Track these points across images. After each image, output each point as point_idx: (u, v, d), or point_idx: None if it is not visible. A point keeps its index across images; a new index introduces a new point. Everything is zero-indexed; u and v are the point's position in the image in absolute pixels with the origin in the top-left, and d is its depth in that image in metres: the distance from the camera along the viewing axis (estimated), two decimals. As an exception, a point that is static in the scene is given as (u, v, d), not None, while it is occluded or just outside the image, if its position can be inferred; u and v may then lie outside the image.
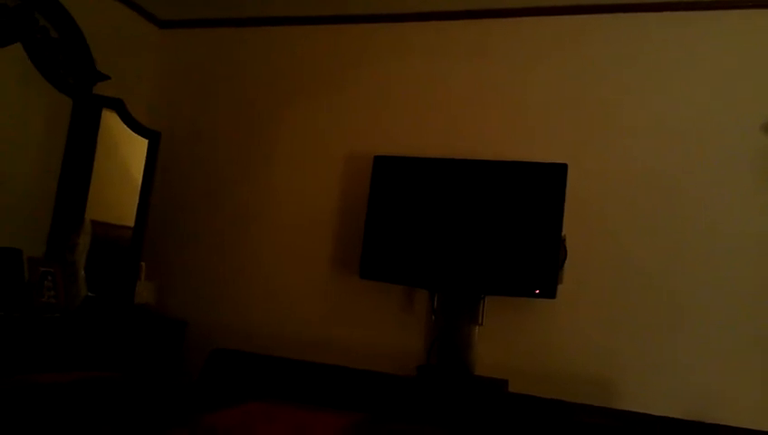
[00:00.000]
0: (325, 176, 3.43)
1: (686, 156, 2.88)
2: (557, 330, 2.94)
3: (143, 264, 3.45)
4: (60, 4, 2.98)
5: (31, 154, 3.03)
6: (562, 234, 2.80)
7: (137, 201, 3.47)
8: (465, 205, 2.96)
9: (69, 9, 3.01)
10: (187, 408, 1.87)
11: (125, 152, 3.47)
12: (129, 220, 3.44)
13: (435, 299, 3.06)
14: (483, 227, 2.91)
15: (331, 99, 3.49)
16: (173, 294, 3.57)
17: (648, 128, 2.95)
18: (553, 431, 2.17)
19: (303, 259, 3.41)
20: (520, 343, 2.99)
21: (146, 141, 3.51)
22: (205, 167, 3.68)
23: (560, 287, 2.79)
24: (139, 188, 3.48)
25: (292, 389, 2.44)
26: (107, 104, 3.26)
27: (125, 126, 3.38)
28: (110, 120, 3.29)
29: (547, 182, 2.83)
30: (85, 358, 2.76)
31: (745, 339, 2.69)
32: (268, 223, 3.52)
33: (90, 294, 3.08)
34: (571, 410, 2.23)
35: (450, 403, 2.40)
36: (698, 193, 2.84)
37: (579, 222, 2.92)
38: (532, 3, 3.13)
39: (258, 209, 3.55)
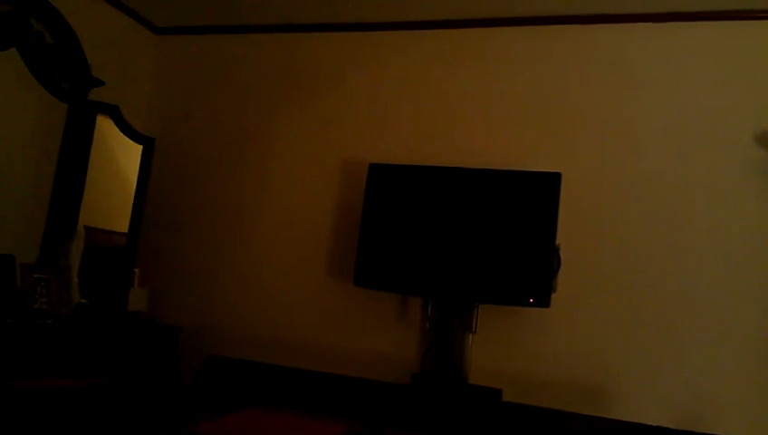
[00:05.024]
0: (321, 183, 3.44)
1: (680, 163, 2.90)
2: (551, 339, 2.94)
3: (137, 270, 3.44)
4: (55, 10, 2.98)
5: (25, 159, 3.02)
6: (556, 243, 2.81)
7: (131, 207, 3.46)
8: (460, 213, 2.97)
9: (65, 15, 3.01)
10: (182, 415, 1.87)
11: (119, 158, 3.46)
12: (123, 226, 3.43)
13: (429, 307, 3.06)
14: (477, 235, 2.92)
15: (328, 106, 3.50)
16: (167, 300, 3.55)
17: (642, 135, 2.97)
18: (547, 440, 2.18)
19: (298, 266, 3.41)
20: (514, 352, 2.99)
21: (140, 147, 3.50)
22: (199, 173, 3.68)
23: (553, 296, 2.80)
24: (133, 194, 3.47)
25: (287, 396, 2.44)
26: (102, 110, 3.26)
27: (120, 132, 3.38)
28: (105, 125, 3.29)
29: (541, 191, 2.84)
30: (78, 365, 2.74)
31: (741, 346, 2.70)
32: (263, 229, 3.52)
33: (83, 300, 3.06)
34: (565, 420, 2.24)
35: (445, 412, 2.41)
36: (694, 200, 2.86)
37: (573, 230, 2.93)
38: (528, 12, 3.15)
39: (253, 215, 3.55)
